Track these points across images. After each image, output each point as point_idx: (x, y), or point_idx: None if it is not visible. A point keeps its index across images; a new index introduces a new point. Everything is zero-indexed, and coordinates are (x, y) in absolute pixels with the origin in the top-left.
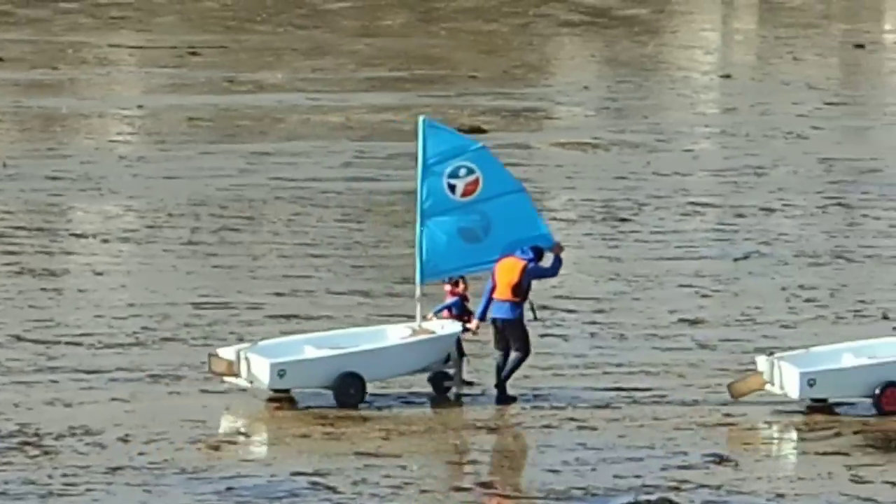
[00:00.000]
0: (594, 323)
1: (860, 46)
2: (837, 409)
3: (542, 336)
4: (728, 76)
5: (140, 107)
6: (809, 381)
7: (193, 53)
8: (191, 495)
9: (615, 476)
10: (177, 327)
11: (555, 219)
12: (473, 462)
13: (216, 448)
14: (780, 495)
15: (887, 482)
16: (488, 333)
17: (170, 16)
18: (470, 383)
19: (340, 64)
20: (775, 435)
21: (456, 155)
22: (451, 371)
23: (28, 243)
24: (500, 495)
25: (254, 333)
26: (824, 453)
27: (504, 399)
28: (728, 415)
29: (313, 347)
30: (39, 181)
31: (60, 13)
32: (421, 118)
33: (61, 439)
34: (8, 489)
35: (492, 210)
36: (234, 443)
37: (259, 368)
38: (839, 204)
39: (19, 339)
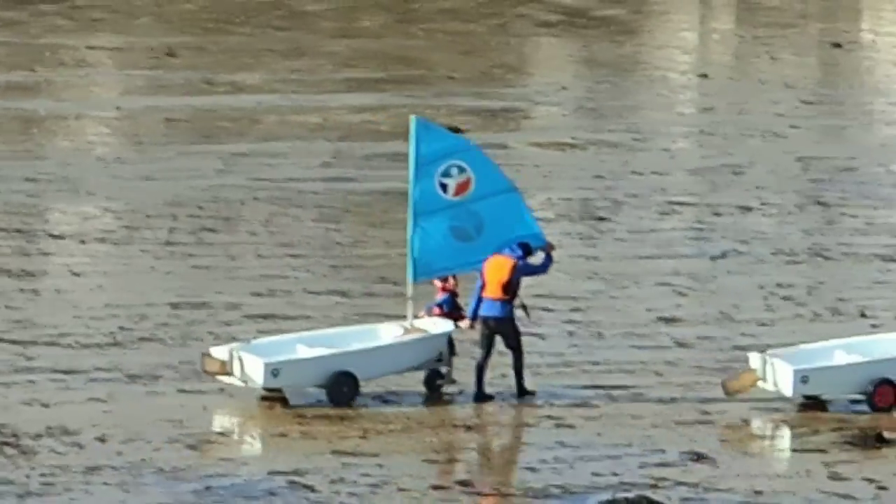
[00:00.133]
0: (572, 321)
1: (837, 46)
2: (815, 407)
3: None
4: (705, 76)
5: (118, 108)
6: (802, 378)
7: (171, 55)
8: (169, 495)
9: (593, 474)
10: (154, 327)
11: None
12: (451, 461)
13: (194, 448)
14: (758, 492)
15: (865, 479)
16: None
17: (147, 17)
18: (452, 381)
19: (318, 65)
20: (753, 432)
21: (448, 154)
22: (444, 370)
23: (5, 244)
24: (478, 493)
25: (232, 333)
26: (802, 450)
27: (523, 392)
28: (706, 412)
29: (306, 346)
30: (17, 182)
31: (38, 15)
32: (413, 118)
33: (39, 439)
34: None
35: (484, 209)
36: (212, 442)
37: (252, 368)
38: (816, 202)
39: None
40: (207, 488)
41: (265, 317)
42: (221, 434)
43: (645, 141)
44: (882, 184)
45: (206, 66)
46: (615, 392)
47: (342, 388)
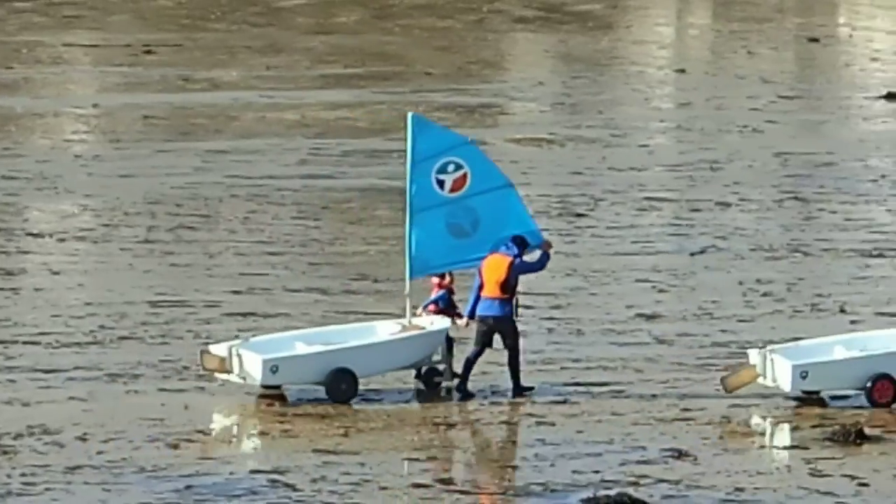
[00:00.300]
0: (551, 318)
1: (814, 40)
2: (794, 404)
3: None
4: (682, 71)
5: (95, 105)
6: (802, 374)
7: (148, 52)
8: (150, 493)
9: (574, 471)
10: (134, 326)
11: None
12: (433, 459)
13: (175, 446)
14: (740, 489)
15: (846, 475)
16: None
17: (124, 14)
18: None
19: (295, 61)
20: (734, 429)
21: (444, 151)
22: (441, 367)
23: None
24: (459, 491)
25: (211, 331)
26: (783, 447)
27: (520, 390)
28: (686, 409)
29: (304, 344)
30: None
31: (14, 12)
32: (410, 114)
33: (19, 439)
34: None
35: (480, 205)
36: (193, 441)
37: (251, 365)
38: (795, 198)
39: None
40: (188, 487)
41: (244, 315)
42: (202, 433)
43: (622, 136)
44: (860, 179)
45: (182, 63)
46: (595, 389)
47: (341, 384)
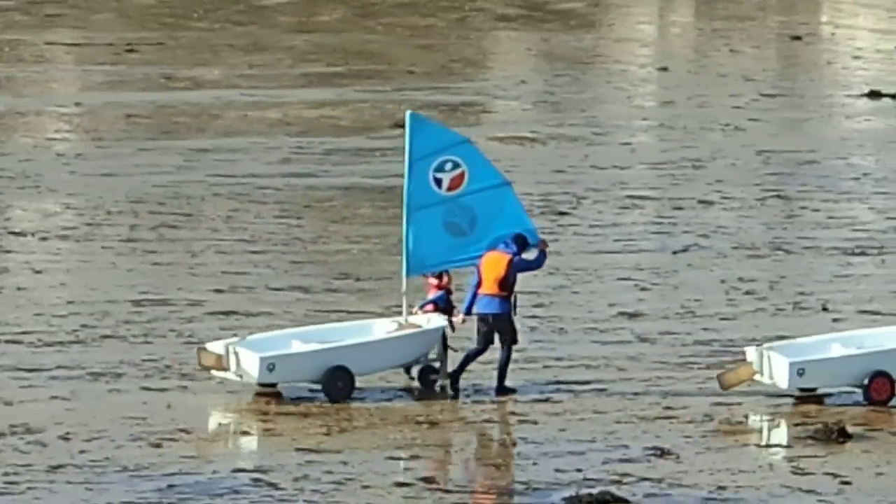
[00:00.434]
0: (534, 317)
1: (797, 38)
2: (777, 402)
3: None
4: (665, 69)
5: (77, 104)
6: (799, 371)
7: (130, 50)
8: (132, 493)
9: (556, 470)
10: (116, 325)
11: None
12: (415, 457)
13: (157, 445)
14: (722, 487)
15: (828, 474)
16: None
17: (106, 13)
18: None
19: (277, 60)
20: (716, 427)
21: (442, 149)
22: (437, 365)
23: None
24: (441, 490)
25: (194, 330)
26: (765, 445)
27: (503, 391)
28: (669, 408)
29: (301, 342)
30: None
31: None
32: (408, 112)
33: (2, 438)
34: None
35: (477, 204)
36: (175, 440)
37: (248, 363)
38: (777, 196)
39: None
40: (171, 486)
41: (227, 313)
42: (185, 431)
43: (605, 135)
44: (843, 177)
45: (165, 61)
46: (578, 388)
47: (337, 382)
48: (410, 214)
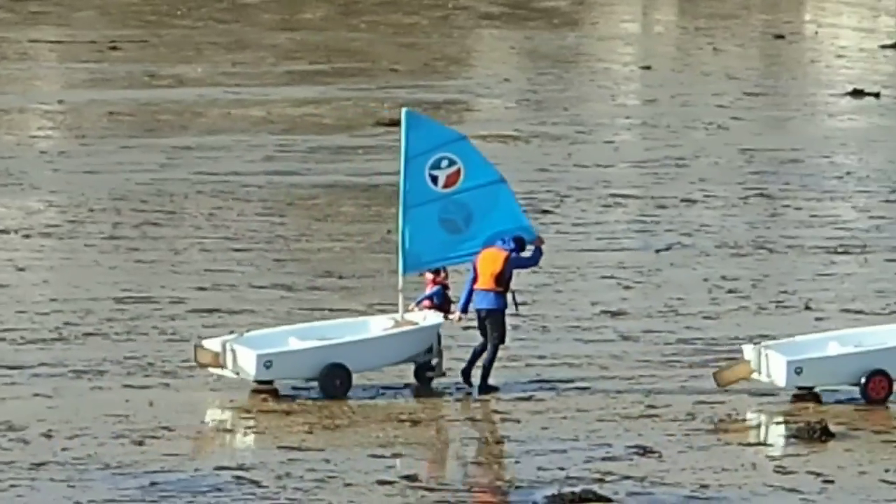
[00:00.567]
0: (517, 315)
1: (780, 37)
2: (760, 401)
3: (465, 329)
4: (648, 67)
5: (60, 102)
6: (796, 370)
7: (114, 48)
8: (115, 490)
9: (539, 468)
10: (99, 322)
11: None
12: (398, 455)
13: (140, 443)
14: (705, 486)
15: (811, 472)
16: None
17: (89, 10)
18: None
19: (261, 58)
20: (698, 426)
21: (438, 146)
22: (434, 362)
23: None
24: (424, 488)
25: (176, 328)
26: (748, 444)
27: (487, 389)
28: (651, 406)
29: (298, 339)
30: None
31: None
32: (404, 110)
33: None
34: None
35: (473, 201)
36: (158, 437)
37: (245, 360)
38: (760, 194)
39: None
40: (153, 484)
41: (209, 311)
42: (167, 429)
43: (588, 133)
44: (826, 175)
45: (148, 59)
46: (561, 386)
47: (335, 380)
48: (406, 212)
